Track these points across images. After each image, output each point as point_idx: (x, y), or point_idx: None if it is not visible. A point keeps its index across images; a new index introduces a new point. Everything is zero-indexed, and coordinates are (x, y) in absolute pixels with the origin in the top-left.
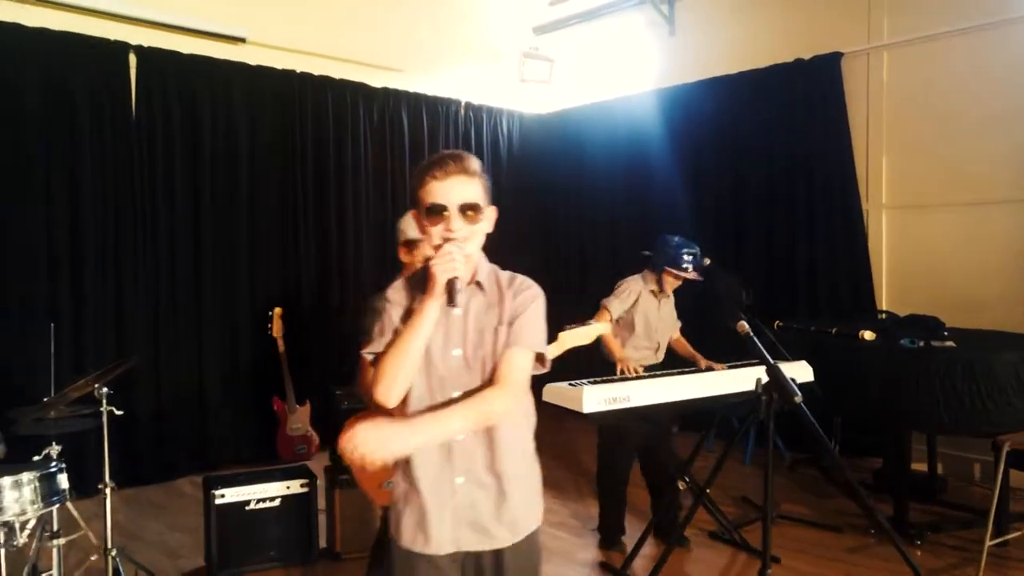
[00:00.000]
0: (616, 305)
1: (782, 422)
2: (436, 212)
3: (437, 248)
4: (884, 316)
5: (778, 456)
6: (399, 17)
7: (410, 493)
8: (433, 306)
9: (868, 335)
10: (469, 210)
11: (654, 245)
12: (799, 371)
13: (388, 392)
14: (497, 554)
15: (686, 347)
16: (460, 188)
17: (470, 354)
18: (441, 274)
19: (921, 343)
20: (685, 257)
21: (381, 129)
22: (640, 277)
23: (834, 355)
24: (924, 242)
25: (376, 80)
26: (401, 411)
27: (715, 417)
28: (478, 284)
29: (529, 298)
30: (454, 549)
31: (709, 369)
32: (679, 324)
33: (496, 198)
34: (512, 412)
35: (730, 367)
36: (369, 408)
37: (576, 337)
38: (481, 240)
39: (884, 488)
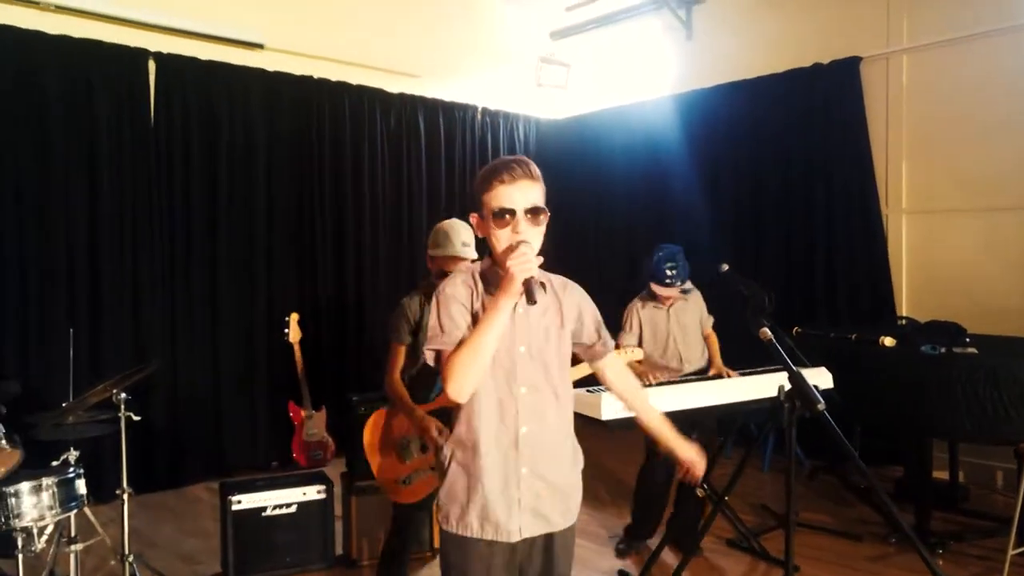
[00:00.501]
0: (628, 339)
1: (801, 429)
2: (504, 215)
3: (508, 250)
4: (904, 322)
5: (797, 464)
6: (416, 23)
7: (473, 484)
8: (509, 304)
9: (888, 341)
10: (535, 213)
11: (647, 258)
12: (818, 377)
13: (462, 387)
14: (548, 536)
15: (712, 348)
16: (527, 192)
17: (534, 351)
18: (520, 273)
19: (942, 349)
20: (667, 272)
21: (398, 134)
22: (639, 298)
23: (854, 361)
24: (945, 247)
25: (393, 86)
26: (471, 400)
27: (733, 424)
28: (542, 284)
29: (586, 303)
30: (520, 537)
31: (718, 376)
32: (710, 320)
33: None
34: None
35: (746, 373)
36: (393, 405)
37: None
38: (540, 244)
39: (905, 496)
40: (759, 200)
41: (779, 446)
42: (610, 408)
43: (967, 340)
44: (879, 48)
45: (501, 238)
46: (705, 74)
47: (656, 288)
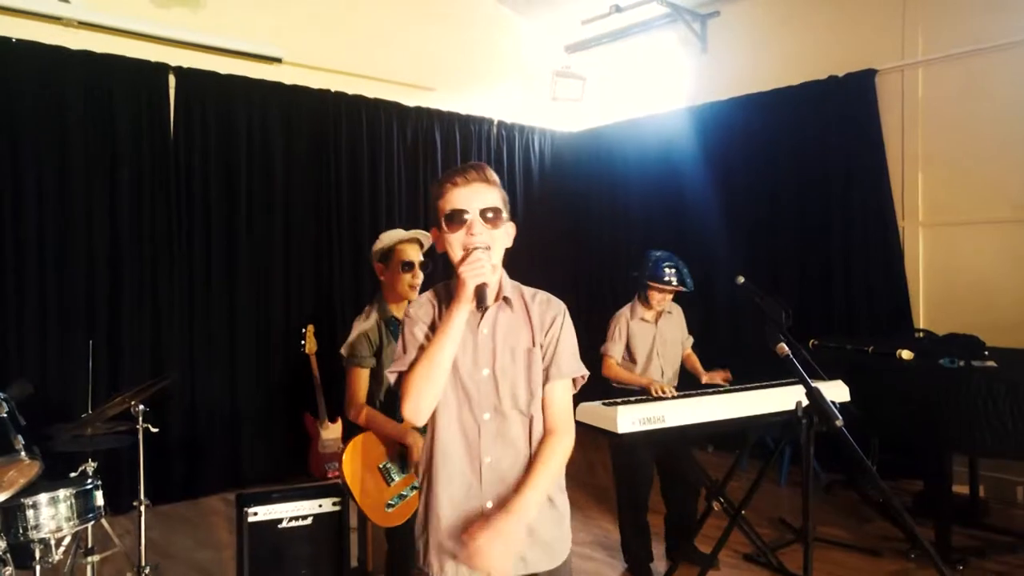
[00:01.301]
0: (615, 348)
1: (818, 442)
2: (457, 218)
3: (462, 259)
4: (922, 335)
5: (814, 477)
6: (433, 37)
7: (432, 519)
8: (462, 313)
9: (906, 354)
10: (490, 214)
11: (638, 264)
12: (835, 391)
13: (417, 409)
14: None
15: (692, 363)
16: (481, 194)
17: (498, 373)
18: (471, 279)
19: (961, 363)
20: (666, 270)
21: (414, 147)
22: (627, 307)
23: (871, 375)
24: (962, 260)
25: (410, 99)
26: (430, 428)
27: (749, 437)
28: (505, 299)
29: (559, 321)
30: None
31: (711, 383)
32: (690, 340)
33: (528, 215)
34: (571, 449)
35: (762, 387)
36: (370, 429)
37: None
38: (502, 252)
39: (925, 511)
40: (775, 212)
41: (796, 459)
42: (627, 421)
43: (986, 353)
44: (894, 61)
45: (454, 243)
46: (720, 87)
47: (655, 289)
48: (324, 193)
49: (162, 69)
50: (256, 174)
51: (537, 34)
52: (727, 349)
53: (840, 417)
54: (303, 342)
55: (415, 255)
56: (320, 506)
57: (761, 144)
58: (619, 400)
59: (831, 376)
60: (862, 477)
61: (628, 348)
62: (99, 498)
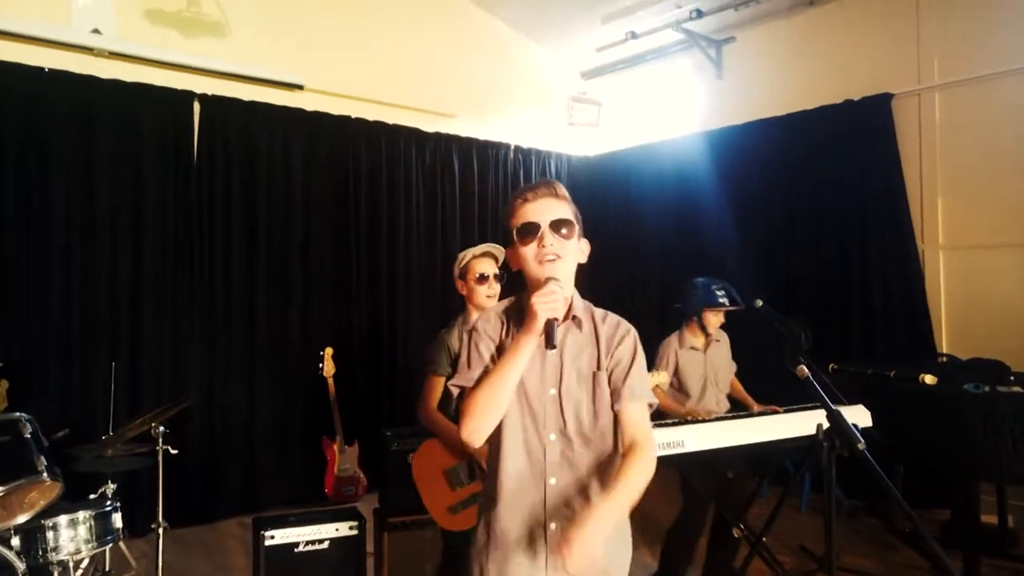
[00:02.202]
0: (661, 376)
1: (840, 468)
2: (529, 231)
3: (538, 285)
4: (945, 360)
5: (837, 504)
6: (451, 65)
7: (494, 540)
8: (531, 344)
9: (929, 379)
10: (562, 227)
11: (682, 294)
12: (856, 415)
13: (476, 430)
14: None
15: (739, 391)
16: (551, 207)
17: (563, 394)
18: (543, 313)
19: (986, 388)
20: (718, 292)
21: (432, 172)
22: (675, 336)
23: (893, 400)
24: (985, 283)
25: (428, 125)
26: (495, 446)
27: (770, 462)
28: (575, 319)
29: (630, 345)
30: None
31: (758, 414)
32: (734, 366)
33: None
34: (653, 467)
35: (787, 411)
36: (436, 435)
37: None
38: (574, 267)
39: (952, 541)
40: (791, 236)
41: (817, 485)
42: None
43: (1011, 379)
44: (911, 85)
45: (528, 257)
46: (735, 111)
47: (711, 313)
48: (344, 218)
49: (187, 96)
50: (277, 199)
51: (554, 61)
52: (750, 374)
53: (862, 440)
54: (321, 365)
55: (489, 268)
56: (337, 530)
57: (777, 168)
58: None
59: (851, 401)
60: (887, 503)
61: (678, 378)
62: (118, 520)
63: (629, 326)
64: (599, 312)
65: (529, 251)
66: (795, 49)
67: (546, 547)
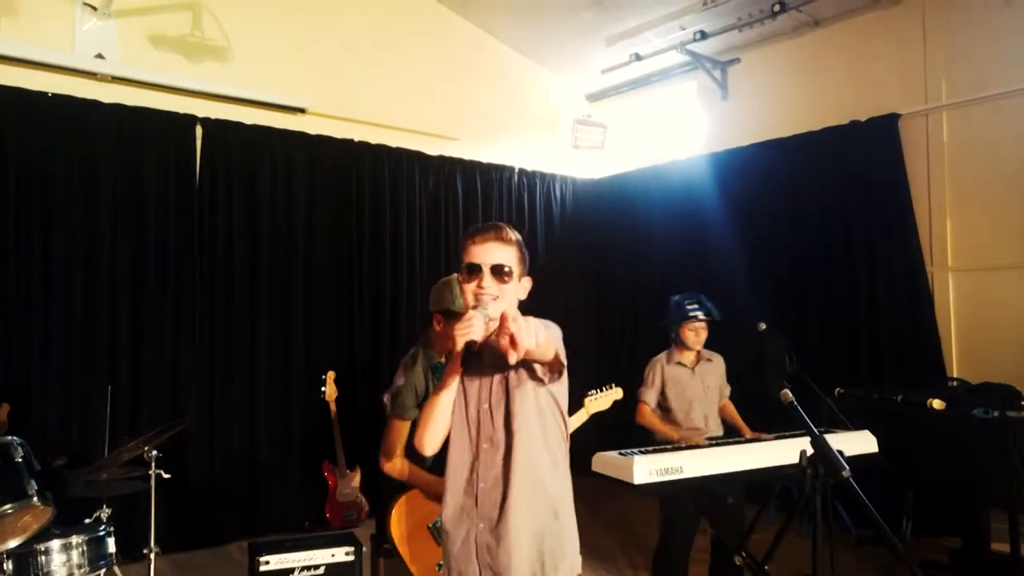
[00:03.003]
0: (649, 394)
1: (848, 494)
2: (471, 271)
3: (460, 319)
4: (955, 384)
5: (843, 531)
6: (455, 87)
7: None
8: (454, 371)
9: (937, 404)
10: (502, 271)
11: (664, 312)
12: (861, 441)
13: (421, 440)
14: None
15: (732, 415)
16: (495, 251)
17: (494, 405)
18: (460, 338)
19: (995, 413)
20: (689, 307)
21: (436, 195)
22: (664, 354)
23: (901, 425)
24: (995, 306)
25: (432, 148)
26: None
27: (774, 487)
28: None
29: (552, 332)
30: None
31: (755, 440)
32: (728, 389)
33: (549, 261)
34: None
35: (782, 436)
36: (403, 479)
37: (597, 403)
38: (514, 303)
39: (963, 570)
40: (798, 257)
41: (824, 511)
42: (643, 471)
43: (1022, 403)
44: (918, 105)
45: (467, 292)
46: (741, 133)
47: (687, 328)
48: (346, 241)
49: (189, 120)
50: (279, 222)
51: (558, 83)
52: (754, 399)
53: (846, 468)
54: (323, 389)
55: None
56: (333, 555)
57: (783, 189)
58: (636, 450)
59: (857, 426)
60: (896, 532)
61: (665, 395)
62: (111, 545)
63: (553, 325)
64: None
65: (469, 288)
66: (801, 70)
67: (476, 544)
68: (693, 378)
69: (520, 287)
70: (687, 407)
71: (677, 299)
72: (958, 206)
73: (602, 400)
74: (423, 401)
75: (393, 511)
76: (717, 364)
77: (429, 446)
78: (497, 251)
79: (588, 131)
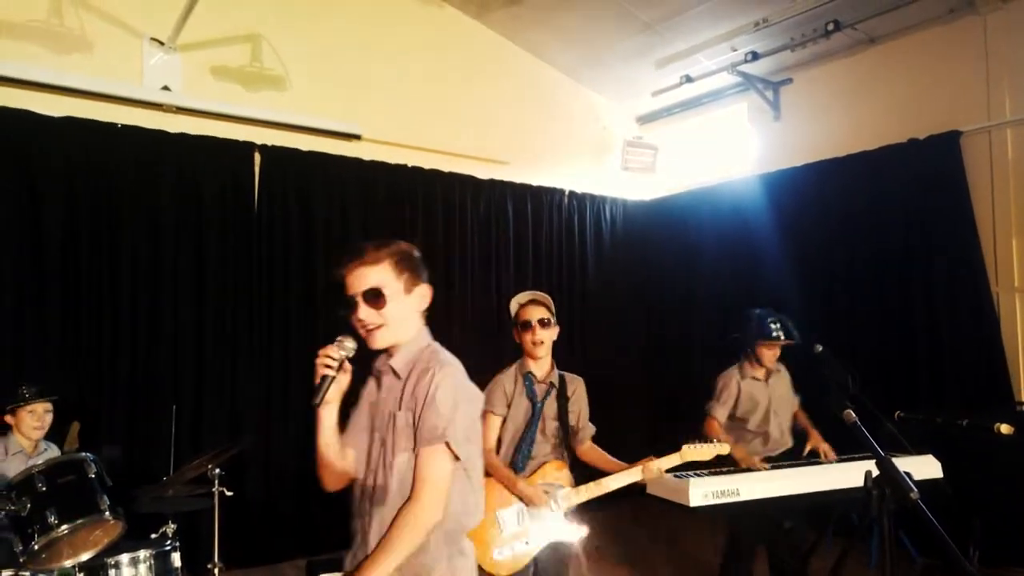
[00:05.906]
0: (720, 410)
1: (909, 521)
2: (350, 305)
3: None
4: (1023, 408)
5: (908, 560)
6: (505, 112)
7: None
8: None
9: (1005, 428)
10: (375, 296)
11: (740, 324)
12: (924, 466)
13: (321, 478)
14: None
15: (805, 422)
16: (363, 277)
17: (381, 432)
18: (319, 372)
19: None
20: (772, 326)
21: (487, 219)
22: (736, 368)
23: (966, 450)
24: None
25: (483, 172)
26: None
27: (833, 513)
28: (393, 370)
29: (444, 386)
30: None
31: (815, 451)
32: (797, 400)
33: (599, 281)
34: (437, 519)
35: (843, 460)
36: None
37: (696, 453)
38: (405, 322)
39: None
40: (853, 279)
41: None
42: (699, 494)
43: None
44: (980, 122)
45: (353, 324)
46: (794, 153)
47: (764, 347)
48: None
49: (248, 147)
50: (334, 247)
51: (608, 106)
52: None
53: (915, 490)
54: None
55: (533, 315)
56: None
57: (837, 210)
58: (691, 472)
59: (918, 450)
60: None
61: (740, 408)
62: (177, 560)
63: (450, 368)
64: (430, 354)
65: (352, 320)
66: (855, 89)
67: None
68: (767, 391)
69: (412, 300)
70: (762, 420)
71: (759, 314)
72: None
73: (703, 451)
74: (512, 401)
75: None
76: (785, 375)
77: (325, 481)
78: (365, 275)
79: (638, 153)
